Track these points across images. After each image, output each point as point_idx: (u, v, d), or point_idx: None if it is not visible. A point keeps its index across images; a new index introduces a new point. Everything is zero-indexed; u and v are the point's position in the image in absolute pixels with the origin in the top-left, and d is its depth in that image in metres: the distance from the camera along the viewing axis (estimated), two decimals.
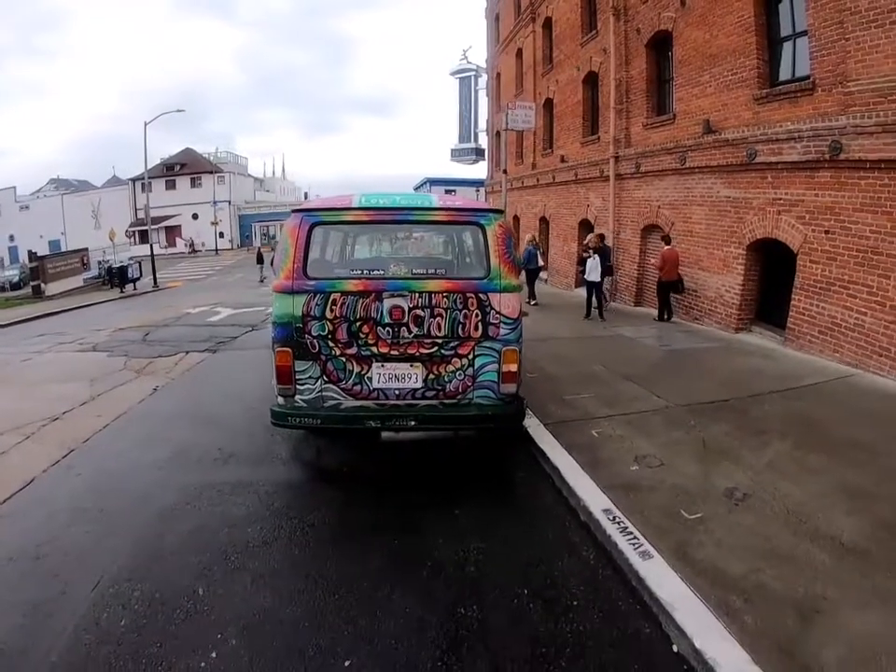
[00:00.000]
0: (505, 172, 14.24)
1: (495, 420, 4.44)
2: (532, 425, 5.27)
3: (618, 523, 3.59)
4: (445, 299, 4.14)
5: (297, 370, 4.17)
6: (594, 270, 11.06)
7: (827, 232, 7.36)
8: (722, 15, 9.14)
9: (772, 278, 9.02)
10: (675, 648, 2.63)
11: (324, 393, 4.24)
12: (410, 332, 4.16)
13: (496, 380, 4.28)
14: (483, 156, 32.83)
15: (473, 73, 36.21)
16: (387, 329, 4.14)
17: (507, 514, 4.06)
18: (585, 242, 12.52)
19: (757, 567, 3.09)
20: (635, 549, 3.29)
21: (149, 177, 31.64)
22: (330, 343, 4.15)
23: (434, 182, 49.78)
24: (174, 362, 8.88)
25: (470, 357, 4.23)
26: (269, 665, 2.59)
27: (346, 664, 2.59)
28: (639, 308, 12.64)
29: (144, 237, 39.75)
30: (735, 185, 9.30)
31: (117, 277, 24.13)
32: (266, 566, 3.38)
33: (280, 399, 4.32)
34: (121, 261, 26.91)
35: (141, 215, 41.47)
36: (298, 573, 3.32)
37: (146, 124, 26.87)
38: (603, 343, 9.28)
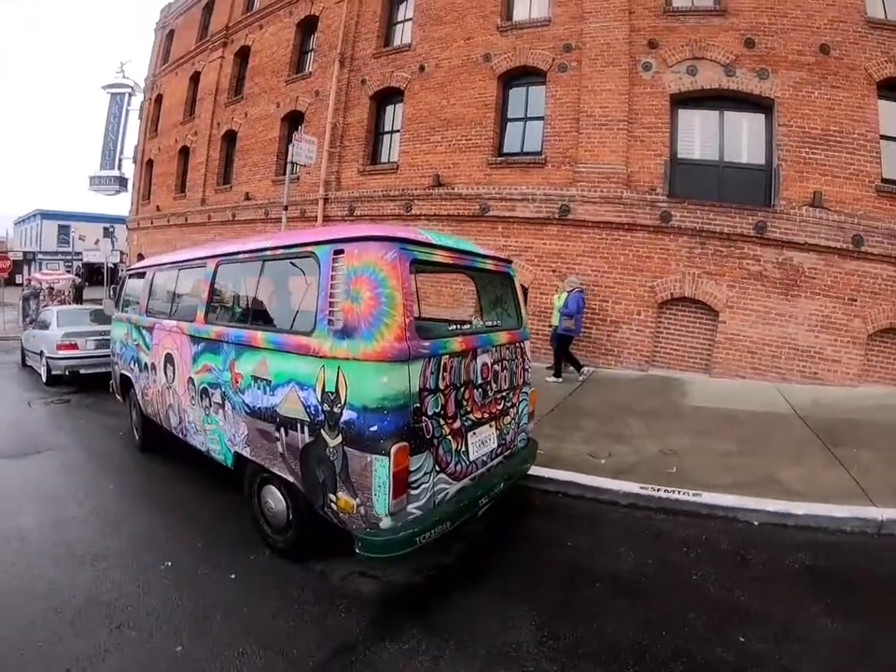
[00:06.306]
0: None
1: (529, 461, 4.28)
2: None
3: None
4: (508, 350, 3.92)
5: (411, 468, 2.93)
6: None
7: (555, 272, 9.60)
8: (463, 88, 10.93)
9: None
10: None
11: (435, 488, 3.13)
12: (492, 390, 3.68)
13: (527, 421, 4.24)
14: (127, 186, 27.55)
15: (129, 90, 30.59)
16: (479, 390, 3.54)
17: None
18: None
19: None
20: None
21: None
22: (441, 422, 3.15)
23: (48, 216, 39.75)
24: None
25: (518, 404, 4.08)
26: None
27: None
28: None
29: None
30: (464, 232, 10.82)
31: None
32: None
33: (385, 521, 2.85)
34: None
35: None
36: None
37: None
38: None
